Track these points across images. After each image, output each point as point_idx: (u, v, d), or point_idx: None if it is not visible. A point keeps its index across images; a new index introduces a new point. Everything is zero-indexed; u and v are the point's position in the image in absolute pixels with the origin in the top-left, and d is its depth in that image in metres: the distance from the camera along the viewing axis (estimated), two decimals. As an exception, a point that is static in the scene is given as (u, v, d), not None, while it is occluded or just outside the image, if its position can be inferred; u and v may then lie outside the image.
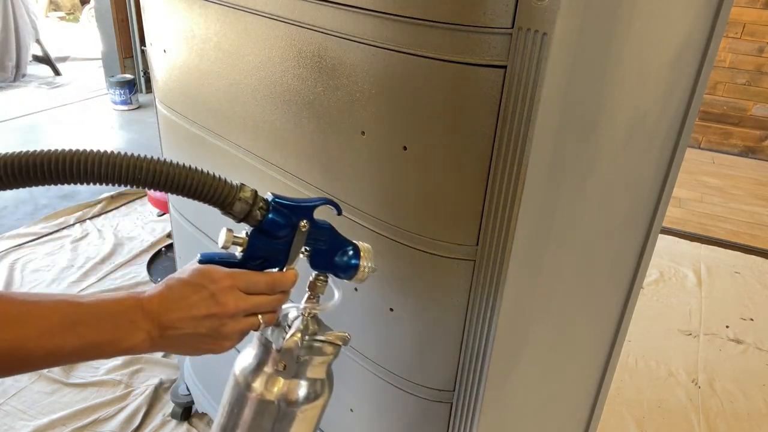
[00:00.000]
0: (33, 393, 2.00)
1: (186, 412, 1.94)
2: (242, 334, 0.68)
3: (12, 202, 3.24)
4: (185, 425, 1.92)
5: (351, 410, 1.13)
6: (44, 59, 5.48)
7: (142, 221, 3.12)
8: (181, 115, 1.28)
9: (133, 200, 3.34)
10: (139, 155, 0.60)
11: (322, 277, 0.77)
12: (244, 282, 0.65)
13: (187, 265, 0.67)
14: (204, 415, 1.93)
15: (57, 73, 5.49)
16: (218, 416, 0.76)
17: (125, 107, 4.70)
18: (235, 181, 0.66)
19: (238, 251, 0.69)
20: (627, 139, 0.92)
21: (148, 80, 5.03)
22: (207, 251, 0.71)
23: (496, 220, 0.78)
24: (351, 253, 0.77)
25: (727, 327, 2.59)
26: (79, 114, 4.59)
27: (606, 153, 0.89)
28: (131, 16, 4.92)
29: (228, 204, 0.65)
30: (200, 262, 0.67)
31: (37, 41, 5.39)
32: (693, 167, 4.26)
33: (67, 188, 3.42)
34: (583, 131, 0.81)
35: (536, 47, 0.66)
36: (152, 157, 0.61)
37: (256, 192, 0.67)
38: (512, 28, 0.67)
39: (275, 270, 0.71)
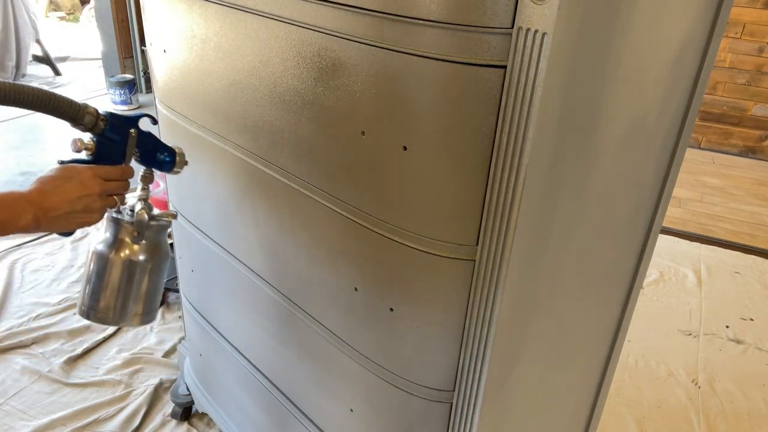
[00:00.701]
0: (33, 393, 2.00)
1: (186, 412, 1.94)
2: (104, 210, 0.93)
3: (12, 202, 3.23)
4: (185, 425, 1.92)
5: (351, 410, 1.14)
6: (44, 59, 5.48)
7: (142, 221, 3.12)
8: (181, 115, 1.28)
9: (133, 200, 3.33)
10: (15, 83, 0.83)
11: (149, 172, 1.02)
12: (102, 171, 0.91)
13: (50, 168, 0.89)
14: (204, 415, 1.93)
15: (57, 73, 5.49)
16: (87, 287, 1.01)
17: (125, 107, 4.70)
18: (81, 102, 0.90)
19: (86, 154, 0.93)
20: (627, 139, 0.92)
21: (148, 80, 5.03)
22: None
23: (496, 220, 0.78)
24: (168, 153, 1.03)
25: (727, 327, 2.59)
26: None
27: (606, 153, 0.89)
28: (131, 16, 4.92)
29: (80, 117, 0.89)
30: (60, 163, 0.90)
31: (37, 41, 5.38)
32: (693, 167, 4.26)
33: (67, 188, 3.41)
34: (583, 131, 0.81)
35: (536, 47, 0.66)
36: (25, 84, 0.84)
37: (97, 109, 0.92)
38: (512, 28, 0.67)
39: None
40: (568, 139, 0.78)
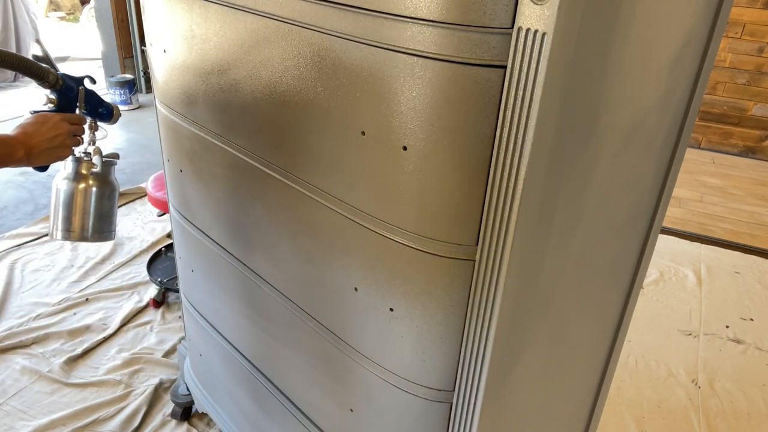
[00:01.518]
0: (33, 393, 2.00)
1: (186, 412, 1.94)
2: (72, 146, 1.19)
3: (12, 202, 3.24)
4: (185, 425, 1.92)
5: (351, 410, 1.14)
6: (44, 59, 5.48)
7: (142, 221, 3.12)
8: (181, 115, 1.28)
9: (133, 200, 3.34)
10: None
11: (93, 122, 1.33)
12: (67, 117, 1.18)
13: (26, 117, 1.14)
14: (204, 415, 1.93)
15: (57, 73, 5.49)
16: (56, 213, 1.29)
17: (125, 107, 4.70)
18: (44, 65, 1.18)
19: (50, 107, 1.21)
20: (627, 138, 0.92)
21: (148, 80, 5.03)
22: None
23: (495, 220, 0.78)
24: (106, 108, 1.33)
25: (727, 327, 2.59)
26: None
27: (606, 153, 0.89)
28: (131, 16, 4.92)
29: (46, 76, 1.18)
30: (32, 113, 1.16)
31: (37, 41, 5.38)
32: (693, 167, 4.26)
33: (67, 188, 3.42)
34: (583, 131, 0.81)
35: (536, 47, 0.66)
36: (3, 49, 1.12)
37: (56, 72, 1.20)
38: (512, 28, 0.67)
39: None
40: (568, 139, 0.78)
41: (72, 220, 1.29)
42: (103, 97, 1.31)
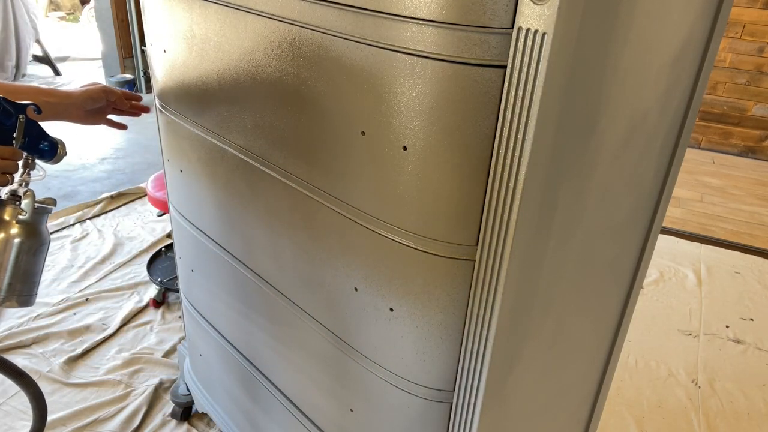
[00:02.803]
0: (33, 393, 2.00)
1: (186, 412, 1.94)
2: None
3: (12, 202, 3.23)
4: (185, 425, 1.92)
5: (351, 410, 1.14)
6: (44, 59, 5.48)
7: (142, 221, 3.12)
8: (181, 114, 1.28)
9: (133, 200, 3.34)
10: None
11: (31, 159, 1.08)
12: None
13: None
14: (204, 415, 1.93)
15: (57, 73, 5.49)
16: None
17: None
18: None
19: None
20: (627, 139, 0.92)
21: (148, 80, 5.03)
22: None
23: (496, 220, 0.78)
24: (49, 143, 1.10)
25: (727, 327, 2.59)
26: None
27: (606, 153, 0.89)
28: (131, 16, 4.92)
29: None
30: None
31: (37, 41, 5.38)
32: (693, 167, 4.26)
33: (67, 188, 3.42)
34: (583, 131, 0.81)
35: (536, 47, 0.66)
36: None
37: None
38: (512, 28, 0.67)
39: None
40: (567, 139, 0.78)
41: None
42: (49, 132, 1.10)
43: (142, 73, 5.03)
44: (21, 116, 1.03)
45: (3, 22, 4.93)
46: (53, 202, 1.11)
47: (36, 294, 1.10)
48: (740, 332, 2.56)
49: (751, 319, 2.66)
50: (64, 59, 5.97)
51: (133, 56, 5.06)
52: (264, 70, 0.98)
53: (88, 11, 7.30)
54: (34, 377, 2.06)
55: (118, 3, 4.83)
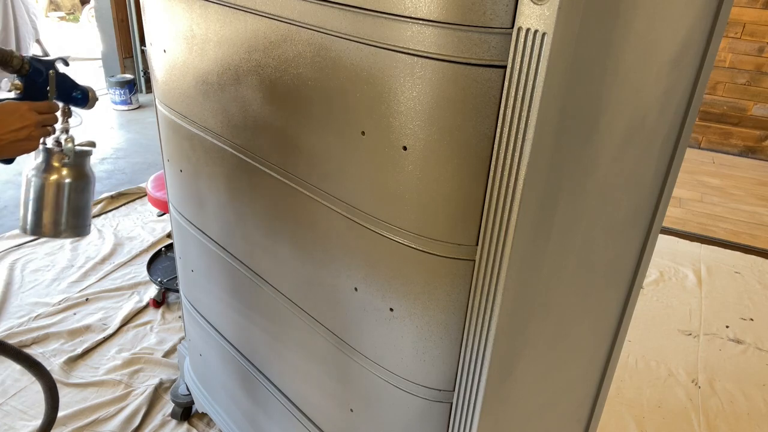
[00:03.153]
0: (33, 393, 2.00)
1: (186, 412, 1.94)
2: (41, 137, 1.09)
3: (12, 202, 3.24)
4: (185, 425, 1.92)
5: (351, 410, 1.14)
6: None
7: (142, 221, 3.12)
8: (181, 115, 1.28)
9: (133, 200, 3.34)
10: None
11: (67, 108, 1.21)
12: (35, 105, 1.07)
13: None
14: (204, 415, 1.93)
15: (57, 73, 5.48)
16: (27, 207, 1.22)
17: (125, 107, 4.70)
18: (7, 48, 1.08)
19: (15, 93, 1.12)
20: (627, 139, 0.92)
21: (148, 80, 5.03)
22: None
23: (496, 220, 0.78)
24: (81, 91, 1.21)
25: (727, 327, 2.59)
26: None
27: (606, 153, 0.89)
28: (131, 16, 4.92)
29: (8, 60, 1.08)
30: None
31: (37, 41, 5.38)
32: (693, 167, 4.26)
33: (67, 188, 3.42)
34: (583, 131, 0.81)
35: (536, 47, 0.66)
36: None
37: (22, 55, 1.10)
38: (512, 28, 0.67)
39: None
40: (567, 139, 0.78)
41: (43, 215, 1.21)
42: (80, 82, 1.22)
43: (142, 73, 5.03)
44: (51, 71, 1.14)
45: (3, 22, 4.93)
46: (93, 144, 1.27)
47: (90, 224, 1.28)
48: (740, 332, 2.56)
49: (751, 319, 2.66)
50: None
51: (133, 56, 5.05)
52: (264, 70, 0.98)
53: (88, 11, 7.30)
54: (34, 377, 2.06)
55: (118, 3, 4.83)
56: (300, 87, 0.93)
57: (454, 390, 0.96)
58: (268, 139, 1.04)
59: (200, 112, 1.20)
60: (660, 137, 1.02)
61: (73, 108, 1.23)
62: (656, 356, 2.37)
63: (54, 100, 1.15)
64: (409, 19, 0.72)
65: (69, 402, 1.98)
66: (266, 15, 0.93)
